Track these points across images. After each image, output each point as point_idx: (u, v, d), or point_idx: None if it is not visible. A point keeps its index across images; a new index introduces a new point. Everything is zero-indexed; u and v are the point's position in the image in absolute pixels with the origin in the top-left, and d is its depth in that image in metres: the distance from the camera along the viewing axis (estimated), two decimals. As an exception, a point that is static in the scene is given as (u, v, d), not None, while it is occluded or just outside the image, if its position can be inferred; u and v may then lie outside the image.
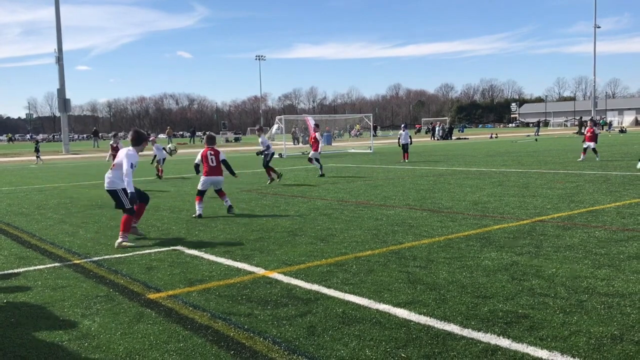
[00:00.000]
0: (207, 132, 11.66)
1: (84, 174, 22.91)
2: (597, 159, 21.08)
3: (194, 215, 10.23)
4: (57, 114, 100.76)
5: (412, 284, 5.52)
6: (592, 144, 21.38)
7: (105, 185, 8.18)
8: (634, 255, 6.39)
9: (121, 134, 21.11)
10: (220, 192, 10.66)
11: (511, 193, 12.19)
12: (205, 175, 10.54)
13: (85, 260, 7.02)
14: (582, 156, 21.73)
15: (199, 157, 10.72)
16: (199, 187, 10.54)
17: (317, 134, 18.89)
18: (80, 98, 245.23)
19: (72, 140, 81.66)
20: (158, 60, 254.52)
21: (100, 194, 14.50)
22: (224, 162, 10.70)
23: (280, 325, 4.50)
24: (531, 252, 6.68)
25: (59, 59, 46.45)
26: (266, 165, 16.39)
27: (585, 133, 22.48)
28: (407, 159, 25.12)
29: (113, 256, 7.19)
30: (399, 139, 26.34)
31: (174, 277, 6.05)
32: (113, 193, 8.10)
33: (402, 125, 27.39)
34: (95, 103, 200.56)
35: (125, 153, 8.11)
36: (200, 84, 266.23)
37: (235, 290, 5.48)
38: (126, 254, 7.27)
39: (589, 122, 23.44)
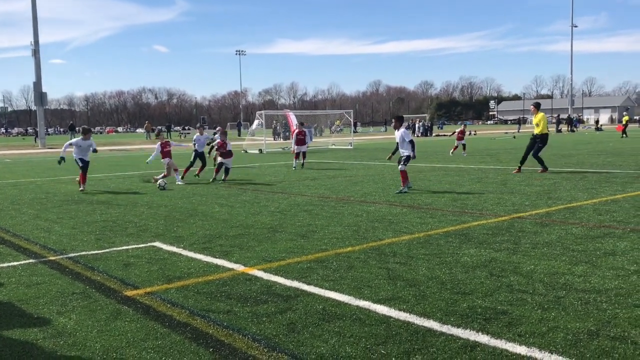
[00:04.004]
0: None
1: (61, 168, 22.50)
2: None
3: (294, 168, 19.34)
4: (33, 107, 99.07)
5: (392, 280, 5.52)
6: None
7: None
8: (610, 251, 6.48)
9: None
10: (304, 155, 19.92)
11: (490, 190, 12.29)
12: (297, 145, 19.64)
13: (60, 256, 6.90)
14: None
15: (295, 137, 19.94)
16: (295, 151, 19.69)
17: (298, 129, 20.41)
18: (55, 92, 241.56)
19: (48, 134, 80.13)
20: (137, 54, 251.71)
21: (76, 189, 14.29)
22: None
23: (260, 322, 4.47)
24: (509, 248, 6.74)
25: (36, 52, 45.59)
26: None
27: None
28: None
29: (89, 252, 7.08)
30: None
31: (152, 274, 5.97)
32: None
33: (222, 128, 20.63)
34: (72, 97, 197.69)
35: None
36: (180, 79, 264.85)
37: (214, 287, 5.43)
38: (103, 250, 7.17)
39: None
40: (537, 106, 16.35)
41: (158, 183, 14.20)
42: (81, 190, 13.78)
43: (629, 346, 3.84)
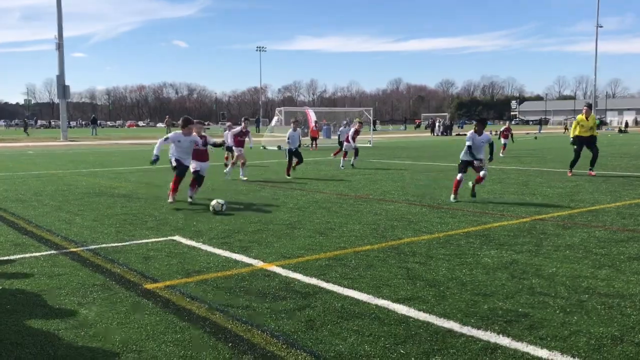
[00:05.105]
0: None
1: (82, 161, 22.81)
2: None
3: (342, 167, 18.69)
4: (56, 100, 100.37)
5: (411, 280, 5.48)
6: None
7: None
8: (635, 256, 6.36)
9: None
10: (346, 153, 19.75)
11: (511, 190, 12.16)
12: (347, 142, 19.59)
13: (81, 248, 6.97)
14: None
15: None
16: (345, 149, 19.69)
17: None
18: (77, 85, 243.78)
19: (70, 127, 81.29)
20: (158, 49, 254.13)
21: (98, 182, 14.43)
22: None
23: (279, 318, 4.46)
24: (531, 250, 6.65)
25: (60, 46, 46.11)
26: None
27: None
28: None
29: (110, 245, 7.15)
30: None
31: (172, 268, 6.01)
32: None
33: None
34: (94, 90, 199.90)
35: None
36: (200, 74, 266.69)
37: (233, 282, 5.44)
38: (123, 243, 7.23)
39: None
40: (591, 107, 16.00)
41: (217, 202, 9.67)
42: (170, 202, 10.62)
43: (654, 353, 3.76)
